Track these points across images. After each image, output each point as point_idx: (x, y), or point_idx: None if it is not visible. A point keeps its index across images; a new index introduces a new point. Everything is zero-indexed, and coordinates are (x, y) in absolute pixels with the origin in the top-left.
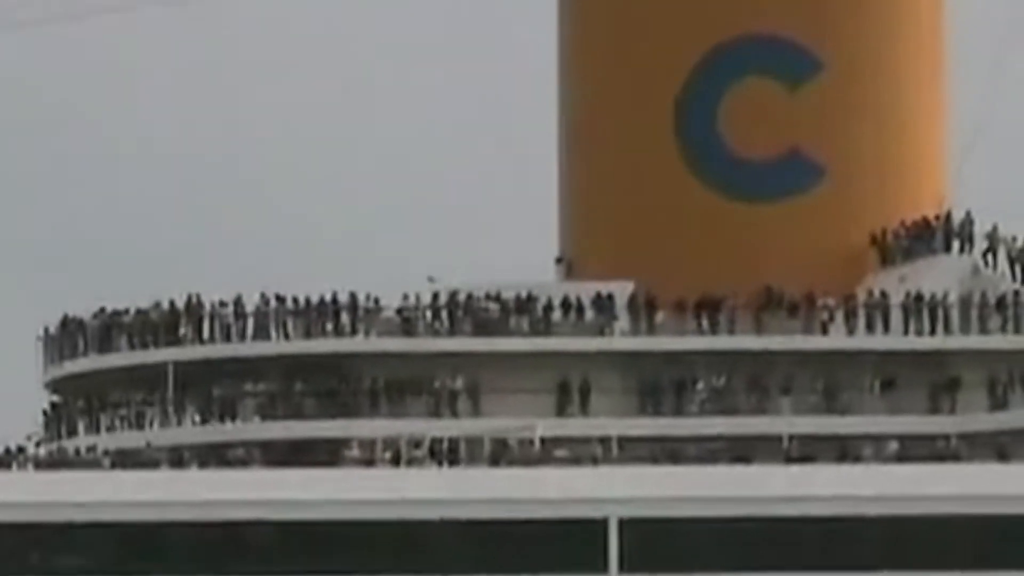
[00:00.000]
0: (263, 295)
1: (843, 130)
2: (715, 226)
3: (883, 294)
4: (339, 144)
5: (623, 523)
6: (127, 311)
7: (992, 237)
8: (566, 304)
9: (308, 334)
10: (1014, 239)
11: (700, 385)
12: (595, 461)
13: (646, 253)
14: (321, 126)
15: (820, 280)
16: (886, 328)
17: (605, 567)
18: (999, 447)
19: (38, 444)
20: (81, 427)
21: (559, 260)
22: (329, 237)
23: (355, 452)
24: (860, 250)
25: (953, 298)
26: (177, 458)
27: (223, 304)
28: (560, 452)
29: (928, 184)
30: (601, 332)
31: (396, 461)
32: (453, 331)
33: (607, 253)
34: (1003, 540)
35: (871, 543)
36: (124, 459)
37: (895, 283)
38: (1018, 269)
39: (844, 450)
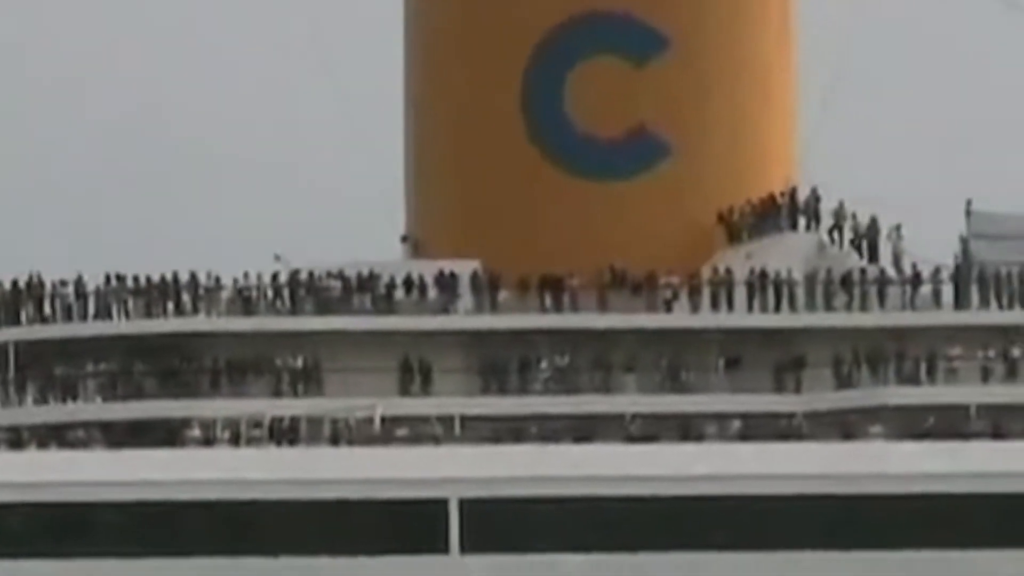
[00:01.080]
0: (105, 275)
1: (690, 108)
2: (561, 204)
3: (727, 271)
4: (182, 123)
5: (463, 503)
6: None
7: (838, 214)
8: (408, 282)
9: (149, 314)
10: (854, 216)
11: (543, 364)
12: (436, 441)
13: (492, 232)
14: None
15: (667, 258)
16: (730, 306)
17: (446, 548)
18: (844, 426)
19: None
20: None
21: (404, 239)
22: (171, 215)
23: (195, 432)
24: (707, 228)
25: (798, 276)
26: (16, 438)
27: (64, 283)
28: (401, 432)
29: (775, 162)
30: (444, 311)
31: (236, 441)
32: (294, 310)
33: (453, 232)
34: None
35: (713, 522)
36: None
37: (741, 261)
38: (864, 246)
39: (688, 429)
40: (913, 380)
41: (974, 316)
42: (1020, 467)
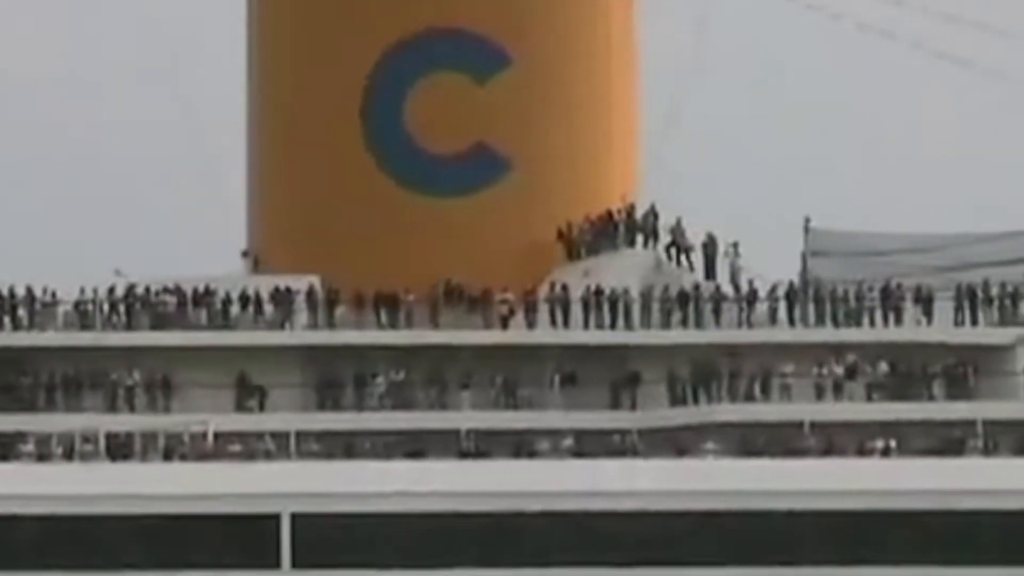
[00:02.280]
0: None
1: (530, 124)
2: (401, 221)
3: (564, 288)
4: (22, 135)
5: (296, 518)
6: None
7: (675, 231)
8: (245, 298)
9: None
10: (682, 232)
11: (379, 380)
12: (269, 456)
13: (331, 247)
14: (4, 110)
15: (505, 274)
16: (567, 323)
17: (277, 563)
18: (678, 443)
19: None
20: None
21: (245, 253)
22: (7, 229)
23: (30, 447)
24: (546, 244)
25: (635, 292)
26: None
27: None
28: (234, 447)
29: (615, 179)
30: (281, 326)
31: (70, 456)
32: (130, 325)
33: (292, 247)
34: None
35: (541, 538)
36: None
37: (579, 277)
38: (700, 263)
39: (521, 445)
40: (747, 397)
41: (808, 333)
42: (853, 485)
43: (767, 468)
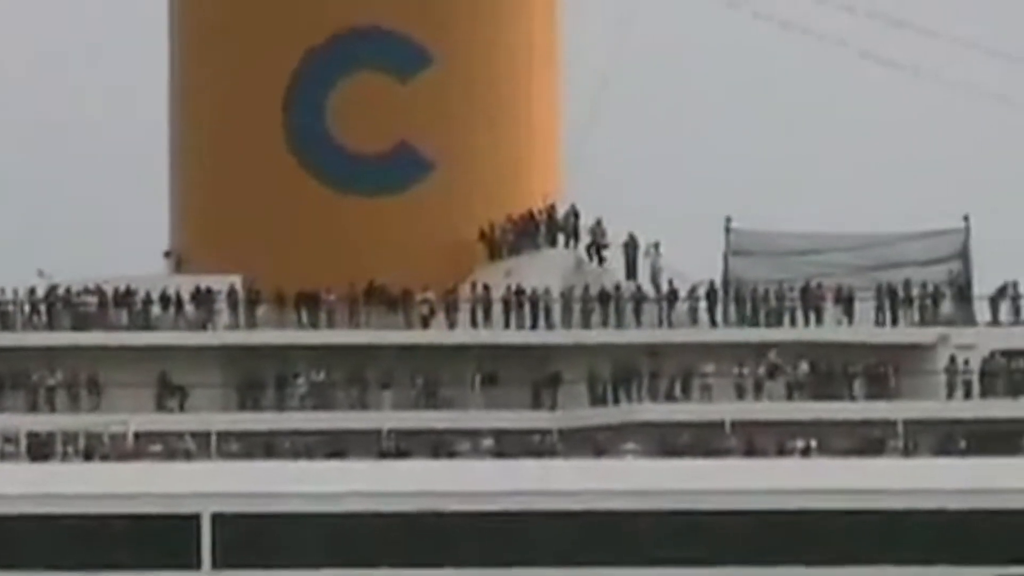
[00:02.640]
0: None
1: (453, 124)
2: (322, 220)
3: (485, 288)
4: None
5: (216, 518)
6: None
7: (596, 231)
8: (166, 298)
9: None
10: (603, 232)
11: (300, 380)
12: (190, 456)
13: (254, 247)
14: None
15: (428, 274)
16: (488, 322)
17: (198, 563)
18: (598, 443)
19: None
20: None
21: (167, 254)
22: None
23: None
24: (469, 244)
25: (556, 292)
26: None
27: None
28: (155, 447)
29: (537, 179)
30: (202, 326)
31: None
32: (52, 325)
33: (215, 247)
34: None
35: (461, 538)
36: None
37: (500, 277)
38: (621, 263)
39: (442, 445)
40: (668, 397)
41: (729, 333)
42: (774, 485)
43: (687, 468)
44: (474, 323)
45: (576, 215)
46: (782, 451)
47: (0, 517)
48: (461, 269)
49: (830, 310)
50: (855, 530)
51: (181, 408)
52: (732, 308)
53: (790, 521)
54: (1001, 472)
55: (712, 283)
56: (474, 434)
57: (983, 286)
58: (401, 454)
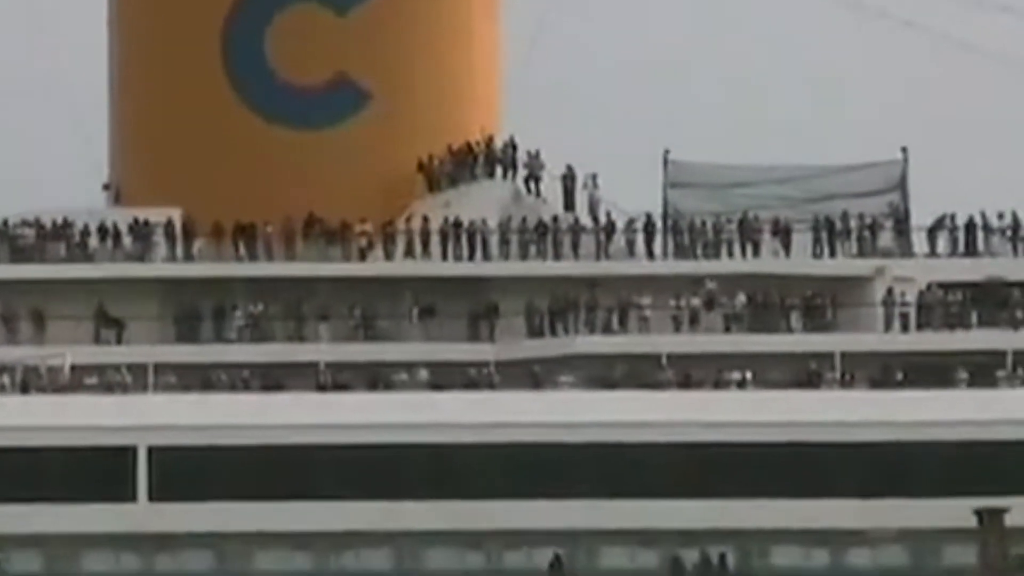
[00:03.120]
0: None
1: (391, 56)
2: (262, 153)
3: (423, 220)
4: None
5: (152, 451)
6: None
7: (534, 163)
8: (104, 231)
9: None
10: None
11: (238, 312)
12: (126, 389)
13: (193, 180)
14: None
15: (367, 206)
16: (425, 254)
17: (134, 495)
18: (535, 375)
19: None
20: None
21: (106, 186)
22: None
23: None
24: (408, 176)
25: (493, 224)
26: None
27: None
28: (91, 380)
29: (476, 111)
30: (140, 259)
31: None
32: None
33: (153, 179)
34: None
35: (395, 469)
36: None
37: (438, 209)
38: (559, 195)
39: (379, 377)
40: (605, 329)
41: (666, 265)
42: (709, 417)
43: (623, 400)
44: (411, 255)
45: (514, 147)
46: (718, 383)
47: None
48: (400, 201)
49: (767, 242)
50: (790, 462)
51: (119, 341)
52: (670, 240)
53: (725, 453)
54: (936, 405)
55: (649, 215)
56: (411, 366)
57: (921, 218)
58: (338, 386)
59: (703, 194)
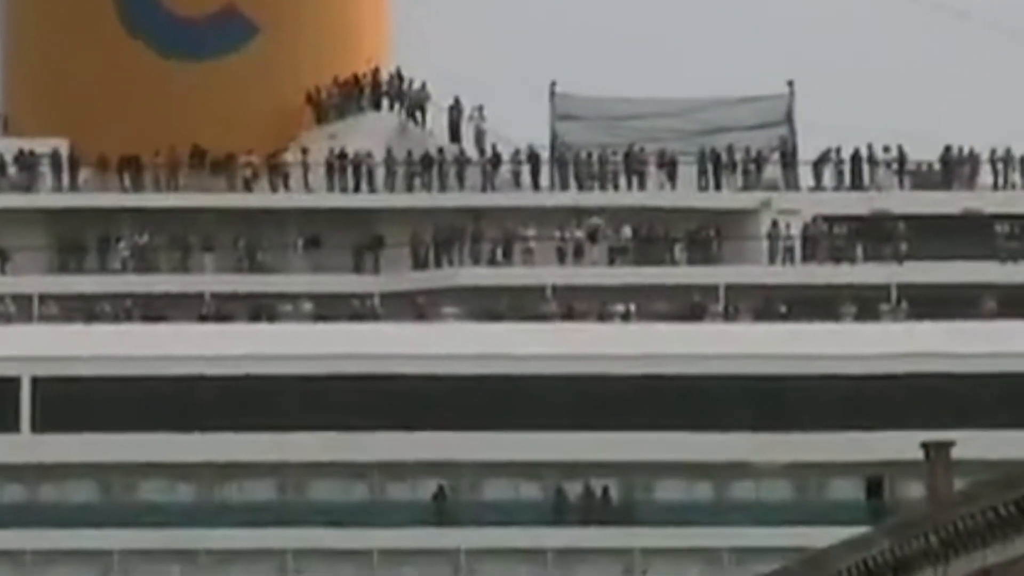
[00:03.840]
0: None
1: None
2: (149, 84)
3: (307, 151)
4: None
5: (36, 382)
6: None
7: (420, 95)
8: None
9: None
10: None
11: (123, 243)
12: (10, 319)
13: (80, 111)
14: None
15: (254, 138)
16: (310, 186)
17: (17, 426)
18: (419, 307)
19: None
20: None
21: None
22: None
23: None
24: (295, 108)
25: (378, 156)
26: None
27: None
28: None
29: (363, 42)
30: (27, 189)
31: None
32: None
33: (42, 110)
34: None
35: (280, 400)
36: None
37: (324, 141)
38: (445, 127)
39: (262, 309)
40: (490, 261)
41: (550, 197)
42: (594, 350)
43: (506, 332)
44: (296, 187)
45: (401, 79)
46: (603, 316)
47: None
48: (288, 133)
49: (653, 175)
50: (673, 394)
51: (3, 271)
52: (556, 173)
53: (609, 385)
54: (819, 338)
55: (532, 147)
56: (295, 298)
57: (808, 152)
58: (222, 317)
59: (591, 126)
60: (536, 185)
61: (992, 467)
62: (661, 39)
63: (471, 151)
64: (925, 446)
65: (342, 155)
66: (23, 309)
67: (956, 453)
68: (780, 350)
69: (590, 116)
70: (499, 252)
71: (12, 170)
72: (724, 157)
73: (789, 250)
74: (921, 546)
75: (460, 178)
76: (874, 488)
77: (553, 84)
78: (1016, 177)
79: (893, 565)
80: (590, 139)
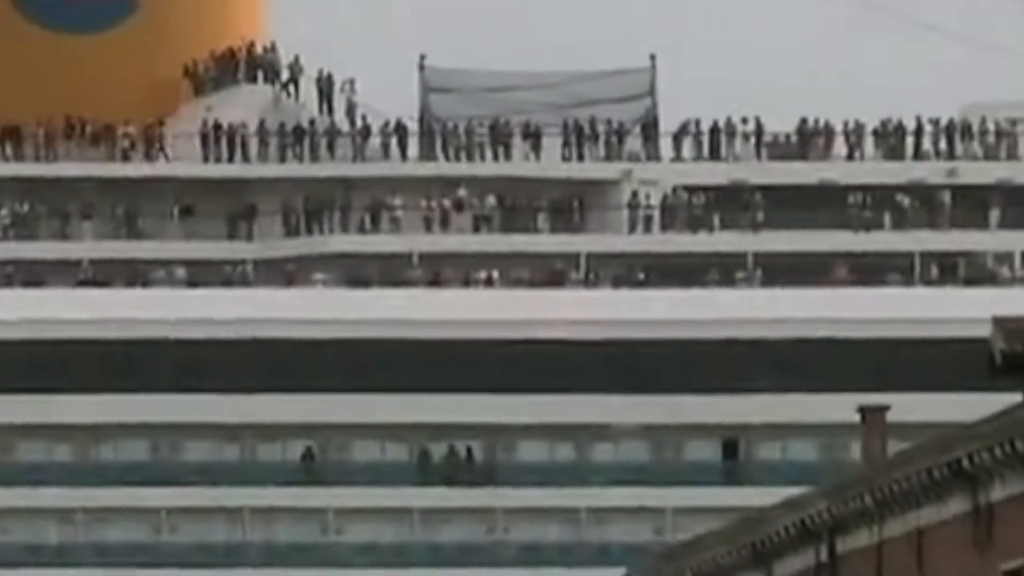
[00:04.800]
0: None
1: None
2: (29, 56)
3: (184, 123)
4: None
5: None
6: None
7: (294, 68)
8: None
9: None
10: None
11: (3, 211)
12: None
13: None
14: None
15: (133, 110)
16: (186, 156)
17: None
18: (289, 273)
19: None
20: None
21: None
22: None
23: None
24: (173, 81)
25: (252, 127)
26: None
27: None
28: None
29: (241, 16)
30: None
31: None
32: None
33: None
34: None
35: (146, 365)
36: None
37: (201, 113)
38: (317, 99)
39: (139, 274)
40: (359, 229)
41: (418, 167)
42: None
43: (374, 297)
44: (173, 157)
45: (275, 52)
46: (467, 282)
47: None
48: (165, 105)
49: (519, 146)
50: (535, 357)
51: None
52: (423, 144)
53: (472, 349)
54: (672, 304)
55: (399, 119)
56: (170, 264)
57: (668, 124)
58: (99, 283)
59: (460, 99)
60: (404, 156)
61: (853, 430)
62: (528, 13)
63: (342, 123)
64: (861, 410)
65: (217, 126)
66: None
67: (818, 416)
68: (638, 316)
69: (459, 89)
70: (368, 220)
71: None
72: (587, 129)
73: (649, 219)
74: (857, 507)
75: (331, 149)
76: (730, 450)
77: (423, 58)
78: (869, 148)
79: (830, 525)
80: (459, 111)
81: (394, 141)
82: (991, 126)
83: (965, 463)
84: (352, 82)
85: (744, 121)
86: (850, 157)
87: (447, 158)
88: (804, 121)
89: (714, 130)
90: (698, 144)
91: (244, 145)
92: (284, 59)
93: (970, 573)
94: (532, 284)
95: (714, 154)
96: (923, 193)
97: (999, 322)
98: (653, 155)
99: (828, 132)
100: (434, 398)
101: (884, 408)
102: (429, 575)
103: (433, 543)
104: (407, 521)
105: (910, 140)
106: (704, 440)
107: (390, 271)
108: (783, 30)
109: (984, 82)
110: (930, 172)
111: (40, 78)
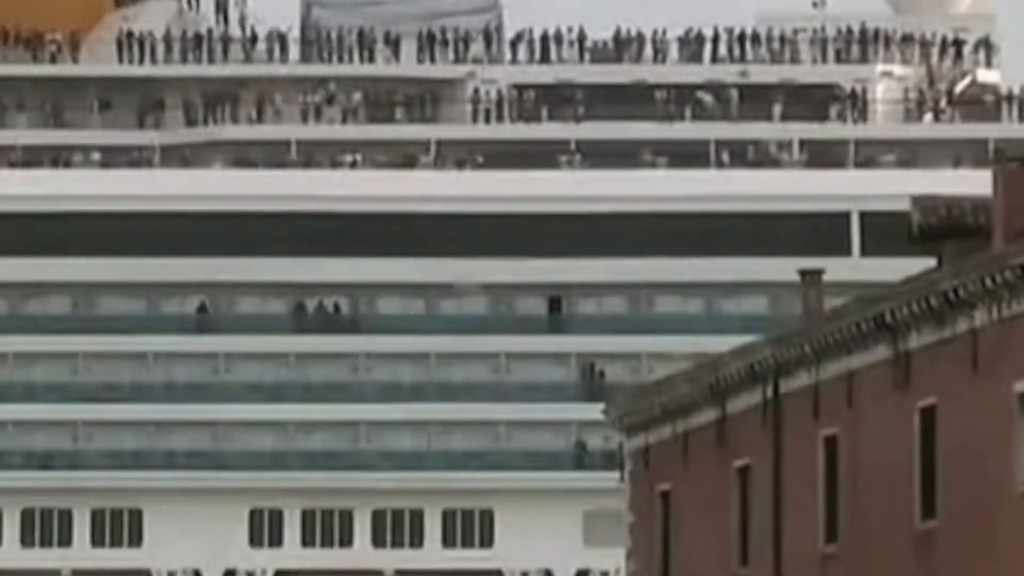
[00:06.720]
0: None
1: None
2: None
3: (105, 30)
4: None
5: None
6: None
7: None
8: None
9: None
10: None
11: None
12: None
13: None
14: None
15: (62, 19)
16: (106, 59)
17: None
18: (187, 158)
19: None
20: None
21: None
22: None
23: None
24: None
25: (160, 35)
26: None
27: None
28: None
29: None
30: None
31: None
32: None
33: None
34: None
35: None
36: None
37: (119, 22)
38: (215, 11)
39: (61, 157)
40: (248, 120)
41: (296, 68)
42: (327, 192)
43: (258, 177)
44: (96, 60)
45: None
46: (335, 164)
47: None
48: (93, 15)
49: (381, 51)
50: (389, 227)
51: None
52: (304, 49)
53: (337, 221)
54: (506, 183)
55: (279, 29)
56: (88, 149)
57: (511, 31)
58: (27, 164)
59: (343, 12)
60: (285, 59)
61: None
62: None
63: (235, 31)
64: (802, 273)
65: (130, 34)
66: None
67: (626, 276)
68: (478, 192)
69: (334, 3)
70: (255, 113)
71: None
72: (439, 36)
73: (488, 112)
74: (797, 353)
75: (225, 53)
76: (555, 305)
77: None
78: (673, 53)
79: (774, 369)
80: (342, 22)
81: (277, 46)
82: (776, 34)
83: (887, 317)
84: None
85: (569, 30)
86: (657, 60)
87: (321, 61)
88: (619, 30)
89: (544, 37)
90: (531, 50)
91: (153, 49)
92: None
93: (891, 409)
94: (390, 166)
95: (544, 58)
96: (718, 90)
97: (916, 200)
98: (494, 59)
99: (640, 40)
100: (308, 261)
101: (820, 271)
102: (303, 409)
103: (307, 382)
104: (284, 364)
105: (708, 46)
106: (532, 297)
107: (273, 155)
108: None
109: None
110: (724, 73)
111: None
